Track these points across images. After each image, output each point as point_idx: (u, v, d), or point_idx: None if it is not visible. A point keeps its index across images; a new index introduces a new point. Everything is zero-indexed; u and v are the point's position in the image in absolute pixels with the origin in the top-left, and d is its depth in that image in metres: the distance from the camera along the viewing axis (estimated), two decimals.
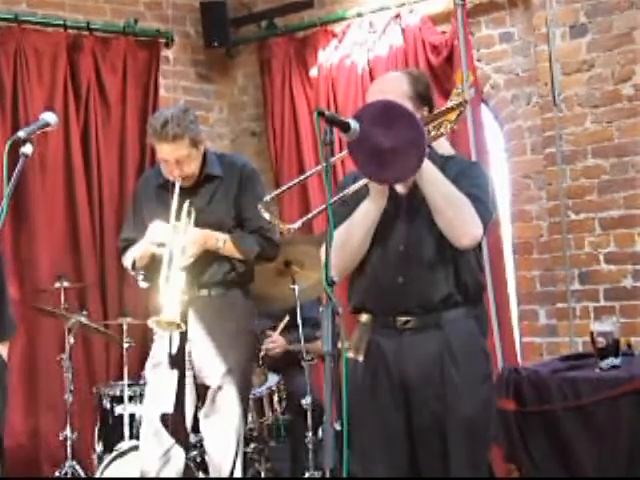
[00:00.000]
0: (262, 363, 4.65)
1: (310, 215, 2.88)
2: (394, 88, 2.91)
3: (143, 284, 3.91)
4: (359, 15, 5.66)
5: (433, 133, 2.88)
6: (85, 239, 5.45)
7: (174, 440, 3.73)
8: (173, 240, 3.63)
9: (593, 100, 4.86)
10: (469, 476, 2.84)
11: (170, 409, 3.72)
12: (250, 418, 4.37)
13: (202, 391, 3.79)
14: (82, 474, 4.78)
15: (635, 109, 4.76)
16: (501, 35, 5.33)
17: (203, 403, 3.79)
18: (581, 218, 4.92)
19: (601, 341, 3.77)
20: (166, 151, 3.70)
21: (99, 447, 4.66)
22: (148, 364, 3.87)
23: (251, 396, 4.28)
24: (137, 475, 3.85)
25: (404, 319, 2.88)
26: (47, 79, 5.45)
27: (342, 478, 2.31)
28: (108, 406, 4.69)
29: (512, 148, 5.32)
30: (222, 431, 3.75)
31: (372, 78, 5.43)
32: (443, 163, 2.90)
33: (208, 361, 3.75)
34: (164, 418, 3.72)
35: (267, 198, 2.83)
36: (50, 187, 5.39)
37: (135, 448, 4.19)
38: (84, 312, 4.93)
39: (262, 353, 4.79)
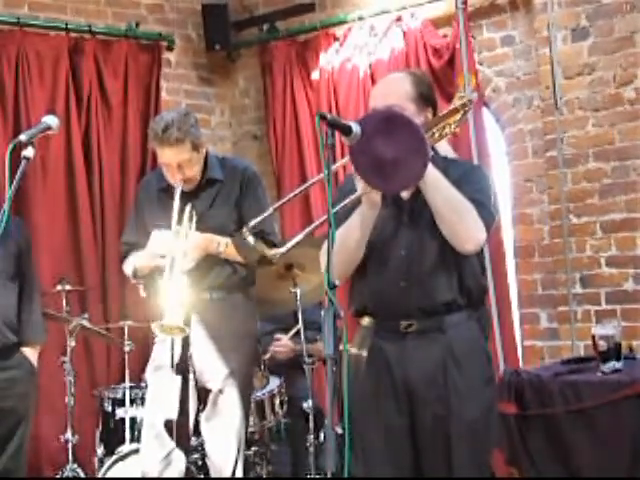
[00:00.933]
0: (264, 366, 4.64)
1: (302, 234, 2.84)
2: (397, 90, 2.91)
3: (143, 293, 3.92)
4: (360, 18, 5.66)
5: (437, 135, 2.88)
6: (86, 242, 5.45)
7: (175, 443, 3.73)
8: (175, 244, 3.63)
9: (594, 103, 4.86)
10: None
11: (171, 412, 3.72)
12: (251, 421, 4.37)
13: (203, 394, 3.79)
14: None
15: (636, 112, 4.76)
16: (502, 38, 5.33)
17: (204, 406, 3.79)
18: (582, 221, 4.92)
19: (602, 344, 3.76)
20: (168, 155, 3.70)
21: (100, 450, 4.66)
22: (149, 367, 3.87)
23: (252, 399, 4.28)
24: None
25: (406, 323, 2.88)
26: (49, 82, 5.45)
27: (343, 478, 2.31)
28: (109, 409, 4.69)
29: (513, 151, 5.32)
30: (223, 434, 3.75)
31: (373, 81, 5.44)
32: (445, 166, 2.90)
33: (209, 364, 3.75)
34: (166, 422, 3.72)
35: (252, 224, 2.81)
36: (51, 190, 5.39)
37: (136, 451, 4.19)
38: (85, 315, 4.92)
39: (268, 355, 4.79)
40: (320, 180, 2.76)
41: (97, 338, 5.21)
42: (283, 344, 4.91)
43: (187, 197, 3.78)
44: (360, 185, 2.75)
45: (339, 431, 3.69)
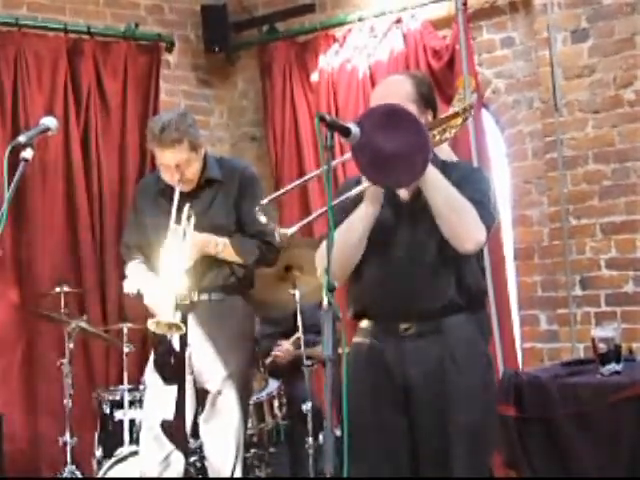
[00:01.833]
0: (263, 368, 4.63)
1: (306, 220, 2.85)
2: (397, 91, 2.90)
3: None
4: (360, 20, 5.65)
5: (437, 138, 2.88)
6: (85, 244, 5.44)
7: (174, 445, 3.72)
8: (172, 243, 3.62)
9: (594, 105, 4.86)
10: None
11: (170, 414, 3.71)
12: (250, 423, 4.36)
13: (202, 396, 3.77)
14: None
15: (636, 114, 4.75)
16: (502, 40, 5.32)
17: (203, 408, 3.78)
18: (582, 223, 4.91)
19: (602, 347, 3.76)
20: (166, 156, 3.69)
21: (99, 452, 4.64)
22: (148, 369, 3.86)
23: (251, 401, 4.27)
24: None
25: (405, 325, 2.87)
26: (47, 83, 5.44)
27: (341, 478, 2.31)
28: (108, 411, 4.68)
29: (513, 153, 5.32)
30: (222, 436, 3.73)
31: (373, 83, 5.43)
32: (444, 168, 2.89)
33: (208, 366, 3.74)
34: (164, 424, 3.71)
35: (264, 201, 2.82)
36: (50, 192, 5.38)
37: (135, 453, 4.18)
38: (84, 317, 4.92)
39: (270, 359, 4.78)
40: (320, 177, 2.74)
41: (96, 340, 5.20)
42: (284, 350, 4.90)
43: (186, 197, 3.77)
44: (364, 179, 2.75)
45: (338, 433, 3.68)
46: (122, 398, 4.64)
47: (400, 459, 2.89)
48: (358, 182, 2.86)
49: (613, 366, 3.71)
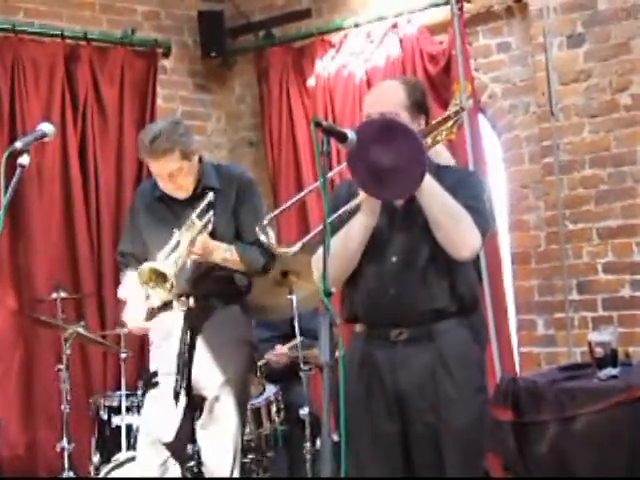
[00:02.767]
0: (260, 373, 4.63)
1: (307, 237, 2.86)
2: (390, 98, 2.91)
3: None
4: (356, 25, 5.66)
5: (430, 142, 2.88)
6: (82, 249, 5.45)
7: (172, 450, 3.72)
8: (184, 234, 3.59)
9: (590, 110, 4.87)
10: None
11: (167, 420, 3.72)
12: (248, 429, 4.36)
13: (199, 402, 3.77)
14: None
15: (632, 119, 4.76)
16: (499, 45, 5.33)
17: (200, 414, 3.78)
18: (579, 228, 4.92)
19: (599, 351, 3.76)
20: (157, 166, 3.68)
21: (96, 458, 4.64)
22: (145, 374, 3.86)
23: (249, 406, 4.27)
24: None
25: (397, 331, 2.88)
26: (44, 89, 5.45)
27: (340, 478, 2.31)
28: (105, 417, 4.68)
29: (510, 158, 5.32)
30: (219, 442, 3.73)
31: (369, 88, 5.41)
32: (439, 172, 2.89)
33: (205, 372, 3.74)
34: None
35: (264, 222, 2.82)
36: (47, 197, 5.38)
37: (132, 459, 4.18)
38: (81, 322, 4.91)
39: (263, 361, 4.78)
40: (316, 188, 2.75)
41: (93, 346, 5.20)
42: (279, 353, 4.90)
43: (184, 205, 3.77)
44: (361, 193, 2.75)
45: (335, 438, 3.68)
46: (120, 404, 4.63)
47: (394, 464, 2.90)
48: (351, 186, 2.87)
49: (610, 370, 3.71)
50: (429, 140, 2.88)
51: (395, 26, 5.51)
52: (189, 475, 4.22)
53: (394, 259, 2.87)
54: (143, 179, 5.46)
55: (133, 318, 3.78)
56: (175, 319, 3.76)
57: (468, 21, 5.26)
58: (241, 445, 3.81)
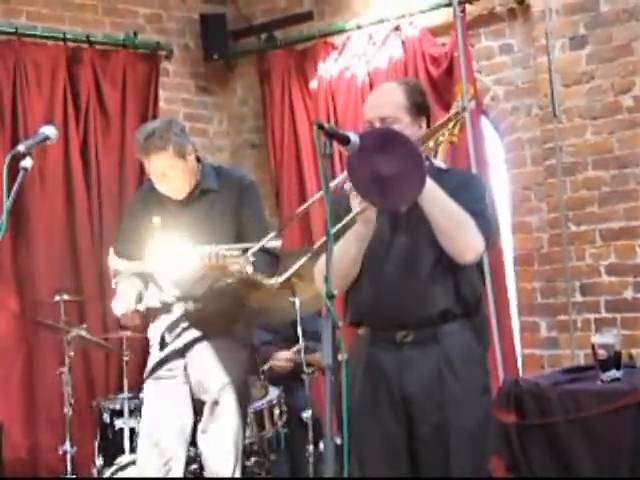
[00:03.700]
0: (263, 376, 4.63)
1: (297, 265, 2.85)
2: (391, 100, 2.91)
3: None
4: (359, 27, 5.67)
5: (432, 145, 2.88)
6: (85, 252, 5.45)
7: (174, 452, 3.72)
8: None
9: (593, 111, 4.87)
10: None
11: (168, 421, 3.72)
12: (250, 431, 4.36)
13: (199, 405, 3.77)
14: None
15: (635, 120, 4.76)
16: (501, 47, 5.33)
17: (200, 418, 3.77)
18: (582, 230, 4.92)
19: (602, 353, 3.74)
20: (150, 164, 3.69)
21: (99, 461, 4.65)
22: (145, 377, 3.85)
23: (251, 409, 4.27)
24: None
25: (403, 333, 2.88)
26: (47, 92, 5.45)
27: (341, 478, 2.31)
28: (108, 420, 4.69)
29: (512, 159, 5.32)
30: (220, 444, 3.73)
31: (372, 90, 5.41)
32: (440, 176, 2.89)
33: (205, 375, 3.74)
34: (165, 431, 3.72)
35: (250, 252, 2.82)
36: (50, 200, 5.39)
37: (135, 462, 4.17)
38: (84, 325, 4.92)
39: (267, 366, 4.77)
40: (320, 197, 2.75)
41: (95, 348, 5.20)
42: (282, 358, 4.90)
43: (183, 207, 3.77)
44: (356, 204, 2.74)
45: (338, 441, 3.67)
46: (122, 406, 4.64)
47: (400, 466, 2.90)
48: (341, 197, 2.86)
49: (613, 373, 3.69)
50: (431, 143, 2.88)
51: (397, 28, 5.51)
52: (192, 477, 4.23)
53: (398, 262, 2.88)
54: (145, 181, 5.46)
55: (123, 304, 3.71)
56: (176, 322, 3.76)
57: (470, 23, 5.26)
58: (243, 447, 3.81)
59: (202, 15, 6.19)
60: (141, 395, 4.49)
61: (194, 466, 4.31)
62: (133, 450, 4.47)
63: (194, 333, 3.77)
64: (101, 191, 5.58)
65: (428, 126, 2.95)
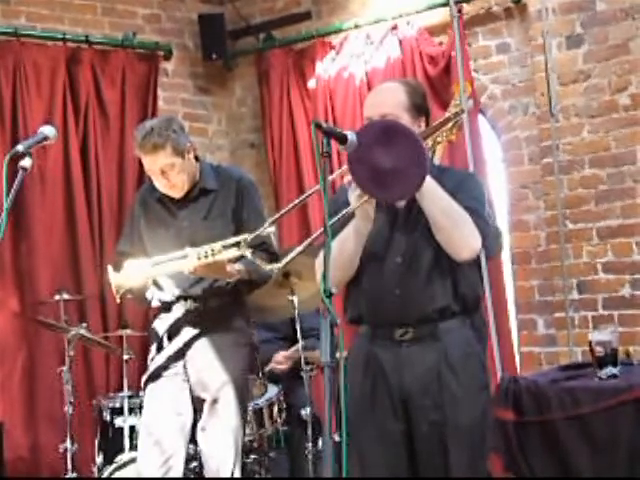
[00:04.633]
0: (262, 374, 4.65)
1: (298, 249, 2.86)
2: (391, 99, 2.92)
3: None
4: (356, 27, 5.68)
5: (430, 143, 2.90)
6: (85, 251, 5.46)
7: (174, 449, 3.73)
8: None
9: (590, 110, 4.88)
10: None
11: (168, 419, 3.73)
12: (250, 429, 4.37)
13: (199, 403, 3.78)
14: None
15: (632, 119, 4.78)
16: (498, 46, 5.35)
17: (200, 416, 3.79)
18: (579, 228, 4.93)
19: (599, 350, 3.76)
20: (149, 162, 3.70)
21: (99, 459, 4.66)
22: (145, 375, 3.87)
23: (251, 407, 4.29)
24: None
25: (402, 331, 2.89)
26: (46, 92, 5.46)
27: (341, 478, 2.32)
28: (108, 418, 4.70)
29: (509, 158, 5.34)
30: (220, 442, 3.73)
31: (370, 89, 5.42)
32: (439, 174, 2.91)
33: (205, 374, 3.75)
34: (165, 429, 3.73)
35: (248, 239, 2.82)
36: (50, 200, 5.40)
37: (135, 460, 4.19)
38: (84, 324, 4.92)
39: (267, 368, 4.79)
40: (316, 190, 2.77)
41: (96, 347, 5.21)
42: (281, 360, 4.91)
43: (181, 207, 3.79)
44: (354, 199, 2.76)
45: (337, 439, 3.69)
46: (122, 405, 4.65)
47: (399, 464, 2.91)
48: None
49: (610, 370, 3.71)
50: (429, 142, 2.90)
51: (395, 28, 5.52)
52: (192, 475, 4.24)
53: (398, 259, 2.89)
54: (145, 181, 5.47)
55: (119, 278, 3.70)
56: (175, 320, 3.78)
57: (467, 22, 5.28)
58: (242, 445, 3.82)
59: (201, 15, 6.20)
60: (141, 393, 4.52)
61: (194, 464, 4.33)
62: (133, 448, 4.49)
63: (194, 331, 3.78)
64: (101, 190, 5.58)
65: (427, 127, 2.97)
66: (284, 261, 2.79)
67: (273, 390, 4.64)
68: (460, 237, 2.81)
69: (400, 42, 5.48)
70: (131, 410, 4.62)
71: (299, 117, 5.91)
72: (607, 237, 4.85)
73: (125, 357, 4.81)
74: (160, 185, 3.75)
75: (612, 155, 4.83)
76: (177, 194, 3.78)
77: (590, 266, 4.90)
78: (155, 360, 3.83)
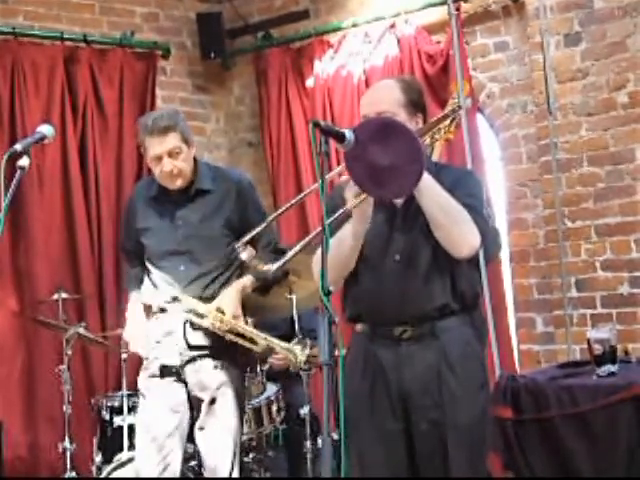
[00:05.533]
0: (261, 373, 4.65)
1: (291, 253, 2.86)
2: (387, 97, 2.92)
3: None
4: (354, 25, 5.68)
5: (428, 141, 2.90)
6: (83, 250, 5.46)
7: (171, 447, 3.73)
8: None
9: (588, 108, 4.89)
10: None
11: (165, 418, 3.74)
12: (249, 428, 4.37)
13: (197, 402, 3.78)
14: None
15: (629, 117, 4.78)
16: (496, 44, 5.35)
17: (198, 415, 3.78)
18: (577, 226, 4.94)
19: (598, 348, 3.76)
20: (157, 144, 3.67)
21: (98, 458, 4.66)
22: (142, 374, 3.87)
23: (249, 406, 4.29)
24: None
25: (401, 329, 2.90)
26: (44, 92, 5.46)
27: (340, 478, 2.32)
28: (107, 417, 4.69)
29: (508, 156, 5.34)
30: (218, 440, 3.73)
31: (368, 88, 5.45)
32: (437, 171, 2.91)
33: (203, 373, 3.75)
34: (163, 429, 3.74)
35: (244, 240, 2.82)
36: (48, 199, 5.40)
37: (134, 459, 4.19)
38: (82, 323, 4.93)
39: (267, 366, 4.79)
40: (315, 189, 2.77)
41: (94, 346, 5.21)
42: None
43: (178, 207, 3.78)
44: (350, 198, 2.76)
45: (335, 437, 3.69)
46: (121, 404, 4.65)
47: (398, 462, 2.91)
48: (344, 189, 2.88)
49: (609, 367, 3.71)
50: (427, 139, 2.90)
51: (393, 26, 5.53)
52: (190, 474, 4.24)
53: (397, 257, 2.89)
54: (143, 176, 5.48)
55: (134, 340, 3.89)
56: (175, 318, 3.78)
57: (465, 21, 5.28)
58: (241, 444, 3.82)
59: (199, 14, 6.20)
60: (138, 392, 4.53)
61: (193, 463, 4.33)
62: (132, 447, 4.48)
63: (191, 331, 3.78)
64: (99, 189, 5.59)
65: (424, 124, 2.97)
66: (281, 261, 2.79)
67: (272, 389, 4.64)
68: (459, 234, 2.81)
69: (398, 40, 5.49)
70: (130, 409, 4.62)
71: (297, 116, 5.91)
72: (605, 235, 4.86)
73: (124, 356, 4.80)
74: (163, 173, 3.71)
75: (610, 153, 4.84)
76: (177, 184, 3.75)
77: (588, 264, 4.90)
78: (151, 359, 3.82)
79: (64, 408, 4.79)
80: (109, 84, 5.70)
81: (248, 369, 4.16)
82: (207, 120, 6.41)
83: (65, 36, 5.56)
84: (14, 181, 2.68)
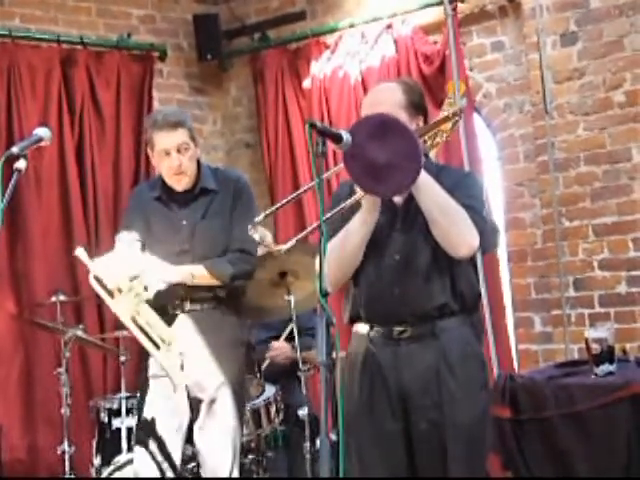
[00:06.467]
0: (259, 374, 4.64)
1: (302, 234, 2.87)
2: (388, 98, 2.93)
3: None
4: (351, 26, 5.69)
5: (429, 143, 2.91)
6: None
7: (171, 448, 3.73)
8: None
9: (585, 108, 4.89)
10: None
11: (166, 420, 3.74)
12: (247, 429, 4.36)
13: (196, 404, 3.78)
14: None
15: (626, 116, 4.79)
16: (492, 44, 5.36)
17: (197, 416, 3.78)
18: (575, 225, 4.94)
19: (596, 347, 3.78)
20: (167, 139, 3.69)
21: (97, 460, 4.65)
22: (142, 375, 3.87)
23: (248, 407, 4.28)
24: None
25: (400, 329, 2.89)
26: (41, 94, 5.46)
27: (339, 478, 2.32)
28: (105, 419, 4.68)
29: (505, 156, 5.35)
30: (218, 442, 3.73)
31: (365, 88, 5.46)
32: (437, 172, 2.92)
33: (202, 374, 3.75)
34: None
35: (258, 219, 2.81)
36: (45, 201, 5.40)
37: (133, 461, 4.19)
38: (81, 326, 4.92)
39: (266, 363, 4.79)
40: (312, 188, 2.77)
41: (93, 348, 5.21)
42: (278, 347, 4.90)
43: (181, 207, 3.79)
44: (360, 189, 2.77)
45: (333, 438, 3.69)
46: (120, 406, 4.64)
47: (397, 463, 2.91)
48: (352, 186, 2.88)
49: (607, 367, 3.72)
50: (428, 141, 2.90)
51: (389, 27, 5.53)
52: (189, 476, 4.24)
53: (397, 257, 2.89)
54: (140, 181, 5.48)
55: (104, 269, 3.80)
56: (172, 322, 3.78)
57: (462, 21, 5.28)
58: (240, 446, 3.82)
59: (195, 16, 6.20)
60: (138, 394, 4.52)
61: (192, 464, 4.33)
62: (131, 449, 4.48)
63: (190, 332, 3.78)
64: (96, 192, 5.59)
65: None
66: (294, 239, 2.78)
67: (270, 390, 4.63)
68: (457, 234, 2.81)
69: (395, 41, 5.49)
70: (129, 411, 4.61)
71: (294, 117, 5.92)
72: (603, 234, 4.86)
73: (122, 358, 4.80)
74: (170, 170, 3.72)
75: (607, 152, 4.84)
76: (182, 184, 3.76)
77: (586, 263, 4.91)
78: (151, 360, 3.82)
79: (62, 410, 4.79)
80: (106, 86, 5.70)
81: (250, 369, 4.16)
82: (204, 122, 6.41)
83: (62, 38, 5.56)
84: (11, 184, 2.67)
